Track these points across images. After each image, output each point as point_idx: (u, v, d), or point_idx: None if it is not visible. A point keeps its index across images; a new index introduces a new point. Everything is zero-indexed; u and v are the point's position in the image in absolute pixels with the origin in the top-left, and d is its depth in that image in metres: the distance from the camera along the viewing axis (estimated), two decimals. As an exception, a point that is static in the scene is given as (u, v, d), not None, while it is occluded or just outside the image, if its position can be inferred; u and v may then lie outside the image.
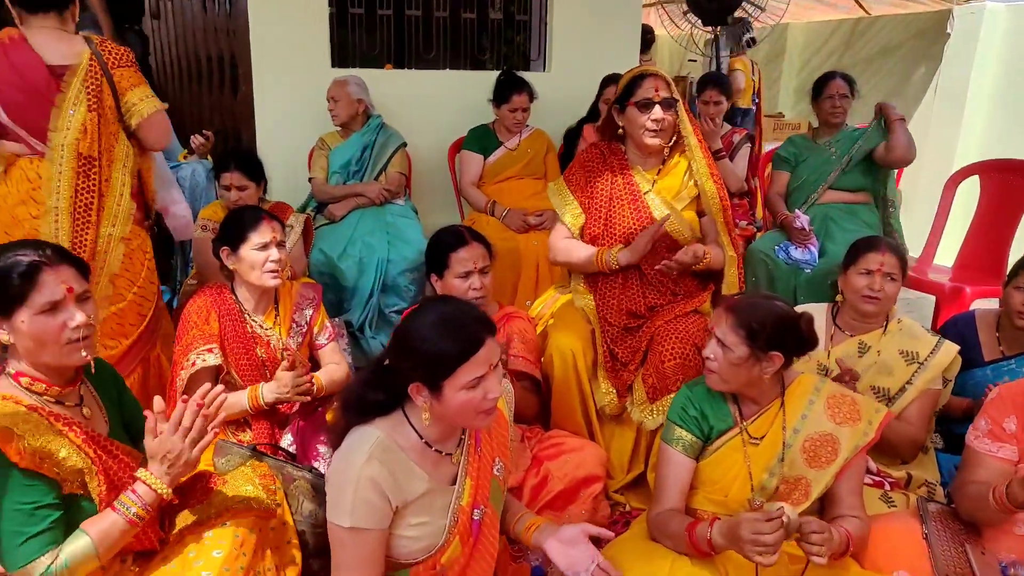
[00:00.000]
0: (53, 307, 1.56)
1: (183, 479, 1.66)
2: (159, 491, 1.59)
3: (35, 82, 2.37)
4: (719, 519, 1.77)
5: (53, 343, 1.58)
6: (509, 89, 3.89)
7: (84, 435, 1.61)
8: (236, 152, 3.30)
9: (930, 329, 2.46)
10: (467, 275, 2.42)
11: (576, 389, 2.56)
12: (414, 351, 1.53)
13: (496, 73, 4.02)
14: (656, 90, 2.48)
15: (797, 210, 3.67)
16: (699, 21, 5.78)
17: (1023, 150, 4.32)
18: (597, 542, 1.97)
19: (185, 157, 3.84)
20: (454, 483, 1.65)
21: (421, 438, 1.60)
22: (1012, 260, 2.57)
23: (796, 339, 1.88)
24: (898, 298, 2.49)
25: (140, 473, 1.60)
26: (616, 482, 2.59)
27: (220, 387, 1.70)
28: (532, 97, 3.94)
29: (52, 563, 1.50)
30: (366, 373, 1.68)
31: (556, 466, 2.37)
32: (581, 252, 2.62)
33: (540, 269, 3.67)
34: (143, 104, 2.51)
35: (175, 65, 4.11)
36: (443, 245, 2.49)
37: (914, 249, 4.28)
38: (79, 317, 1.59)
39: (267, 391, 2.33)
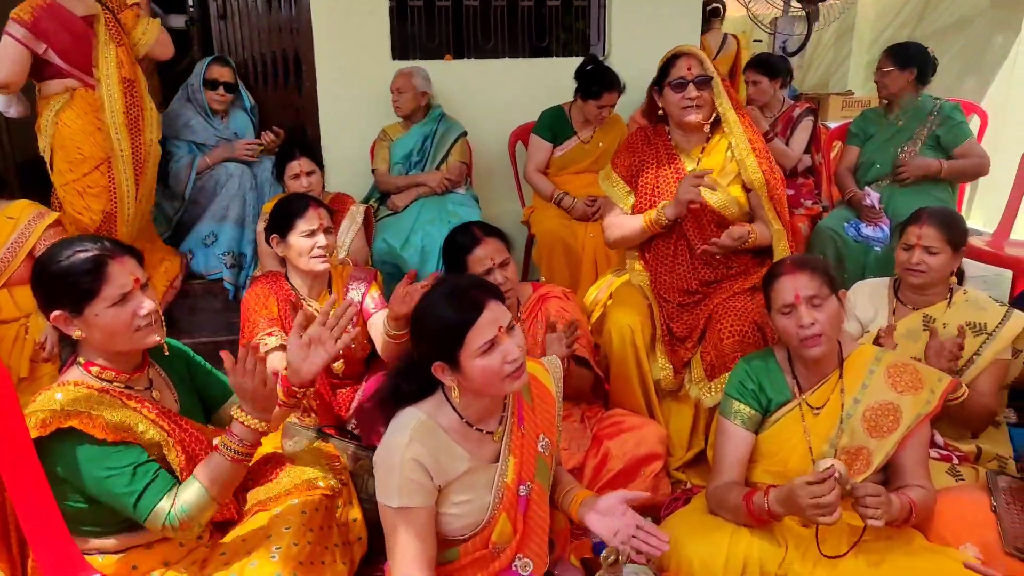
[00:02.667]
0: (123, 298, 1.63)
1: (272, 413, 1.72)
2: (252, 425, 1.65)
3: (76, 30, 3.04)
4: (774, 487, 1.77)
5: (125, 331, 1.64)
6: (598, 85, 3.65)
7: (157, 411, 1.70)
8: (297, 140, 3.41)
9: (1004, 302, 2.38)
10: (488, 272, 2.39)
11: (634, 365, 2.56)
12: (424, 330, 1.59)
13: (555, 60, 3.99)
14: (689, 68, 2.49)
15: (867, 187, 3.59)
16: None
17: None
18: (656, 515, 1.99)
19: (258, 154, 3.97)
20: (496, 461, 1.68)
21: (461, 418, 1.64)
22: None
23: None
24: (973, 274, 2.41)
25: (234, 412, 1.68)
26: (676, 460, 2.59)
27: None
28: (621, 92, 3.76)
29: (171, 509, 1.59)
30: (399, 364, 1.73)
31: (616, 445, 2.39)
32: (633, 222, 2.64)
33: (598, 259, 3.65)
34: (146, 35, 3.28)
35: (243, 66, 4.24)
36: (457, 247, 2.46)
37: (990, 223, 4.13)
38: (148, 304, 1.67)
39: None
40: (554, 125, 3.90)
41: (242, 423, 1.66)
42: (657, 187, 2.63)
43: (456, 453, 1.62)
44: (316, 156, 3.32)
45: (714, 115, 2.57)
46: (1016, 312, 2.26)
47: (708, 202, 2.55)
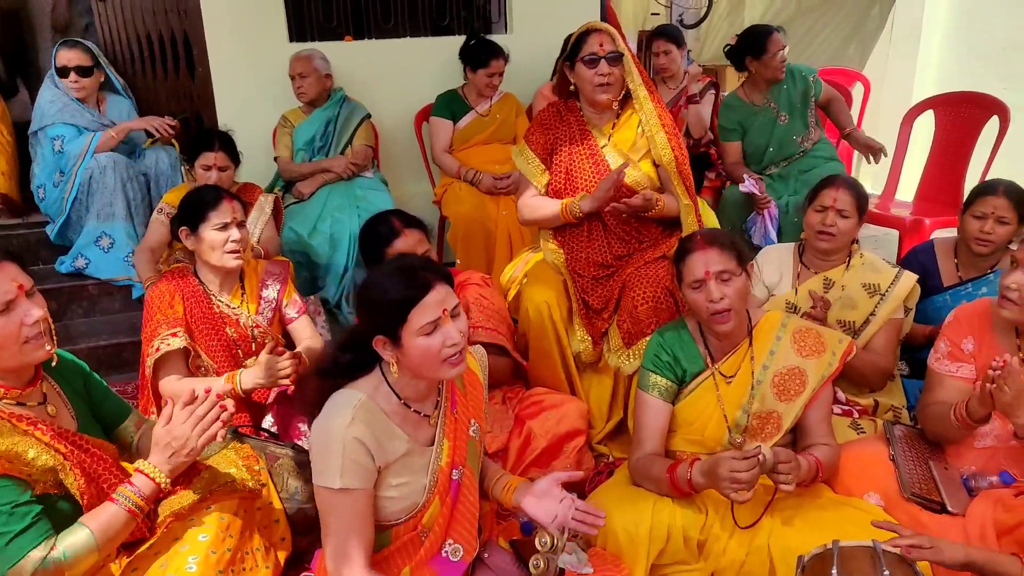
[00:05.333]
0: (7, 307, 1.52)
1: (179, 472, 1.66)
2: (158, 480, 1.58)
3: None
4: (699, 459, 1.83)
5: (13, 343, 1.53)
6: (486, 53, 3.83)
7: (52, 432, 1.58)
8: (219, 132, 3.18)
9: (895, 263, 2.53)
10: None
11: (554, 340, 2.59)
12: (369, 303, 1.58)
13: (457, 38, 3.98)
14: (601, 45, 2.50)
15: (745, 174, 3.60)
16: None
17: (979, 82, 4.37)
18: (581, 490, 2.03)
19: (152, 143, 3.79)
20: (431, 445, 1.68)
21: (399, 398, 1.63)
22: (968, 190, 2.63)
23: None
24: (863, 235, 2.55)
25: (140, 464, 1.60)
26: (597, 432, 2.64)
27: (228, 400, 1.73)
28: (507, 60, 3.91)
29: (47, 555, 1.48)
30: (340, 338, 1.71)
31: (538, 424, 2.41)
32: (547, 207, 2.66)
33: (512, 237, 3.67)
34: None
35: (126, 50, 4.00)
36: (377, 239, 2.40)
37: (877, 186, 4.36)
38: (35, 312, 1.56)
39: (246, 378, 2.26)
40: (452, 104, 4.01)
41: (147, 475, 1.59)
42: (571, 164, 2.65)
43: (395, 434, 1.61)
44: (235, 151, 3.13)
45: (624, 91, 2.60)
46: (906, 273, 2.41)
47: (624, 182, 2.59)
